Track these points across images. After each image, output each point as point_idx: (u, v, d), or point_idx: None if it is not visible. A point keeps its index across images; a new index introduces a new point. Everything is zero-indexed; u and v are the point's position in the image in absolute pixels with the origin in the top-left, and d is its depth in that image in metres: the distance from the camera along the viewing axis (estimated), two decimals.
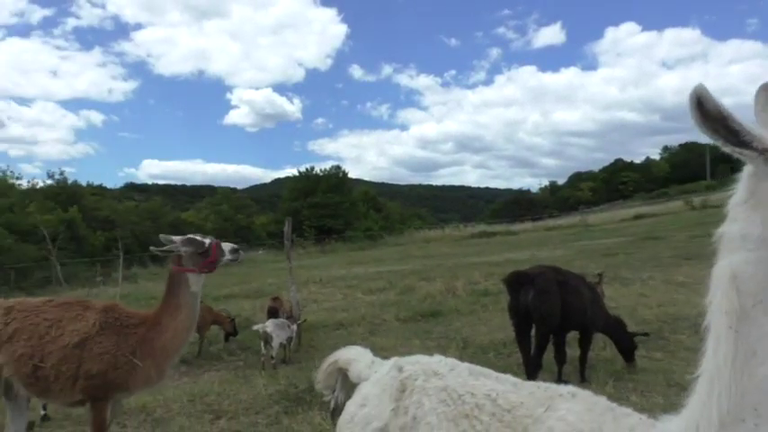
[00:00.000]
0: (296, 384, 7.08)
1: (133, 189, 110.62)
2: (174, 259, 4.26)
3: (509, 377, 2.08)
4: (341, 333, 10.85)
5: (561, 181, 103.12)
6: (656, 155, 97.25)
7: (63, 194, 42.89)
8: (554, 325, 6.59)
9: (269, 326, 8.63)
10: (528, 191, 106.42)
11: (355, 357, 2.67)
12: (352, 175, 70.65)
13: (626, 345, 7.09)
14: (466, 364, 2.23)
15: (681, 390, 6.07)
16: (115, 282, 20.82)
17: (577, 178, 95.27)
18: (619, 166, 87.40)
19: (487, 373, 2.15)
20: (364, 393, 2.34)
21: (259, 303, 13.49)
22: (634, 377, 6.74)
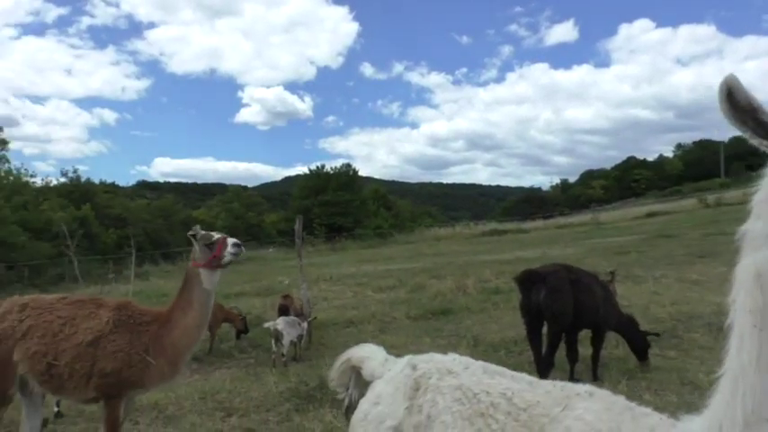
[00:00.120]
0: (306, 382, 7.09)
1: (145, 187, 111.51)
2: (192, 255, 4.28)
3: (524, 376, 2.06)
4: (351, 331, 10.85)
5: (573, 179, 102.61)
6: (669, 152, 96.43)
7: (76, 192, 43.23)
8: (566, 323, 6.55)
9: (280, 323, 8.64)
10: (539, 189, 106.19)
11: (369, 355, 2.66)
12: (362, 173, 70.57)
13: (639, 343, 7.02)
14: (480, 363, 2.21)
15: (695, 388, 6.01)
16: (127, 279, 20.94)
17: (589, 176, 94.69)
18: (631, 164, 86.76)
19: (502, 371, 2.13)
20: (378, 391, 2.33)
21: (269, 301, 13.52)
22: (647, 376, 6.69)
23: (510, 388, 1.92)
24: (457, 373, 2.11)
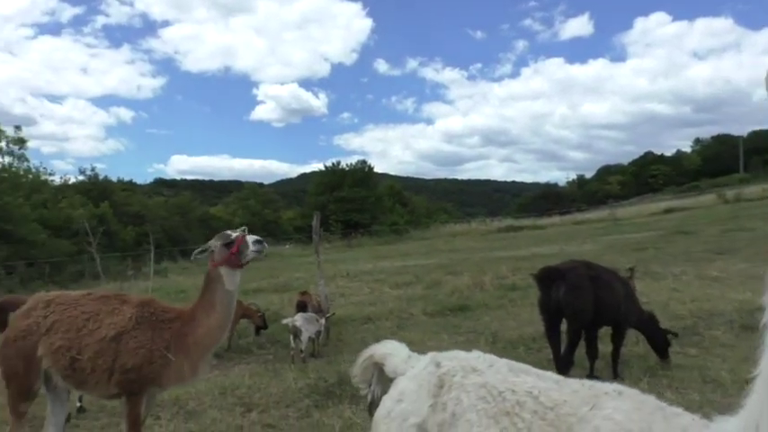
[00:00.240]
0: (325, 378, 7.12)
1: (162, 184, 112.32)
2: (211, 257, 4.28)
3: (551, 374, 2.04)
4: (369, 327, 10.86)
5: (589, 174, 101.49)
6: (687, 147, 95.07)
7: (94, 190, 43.82)
8: (586, 321, 6.50)
9: (298, 320, 8.67)
10: (555, 185, 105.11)
11: (391, 352, 2.66)
12: (377, 169, 70.78)
13: (660, 341, 6.93)
14: (505, 360, 2.20)
15: (717, 386, 5.93)
16: (146, 276, 21.17)
17: (606, 172, 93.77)
18: (649, 159, 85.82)
19: (527, 369, 2.11)
20: (401, 388, 2.32)
21: (287, 297, 13.58)
22: (668, 373, 6.61)
23: (536, 386, 1.90)
24: (482, 371, 2.10)
